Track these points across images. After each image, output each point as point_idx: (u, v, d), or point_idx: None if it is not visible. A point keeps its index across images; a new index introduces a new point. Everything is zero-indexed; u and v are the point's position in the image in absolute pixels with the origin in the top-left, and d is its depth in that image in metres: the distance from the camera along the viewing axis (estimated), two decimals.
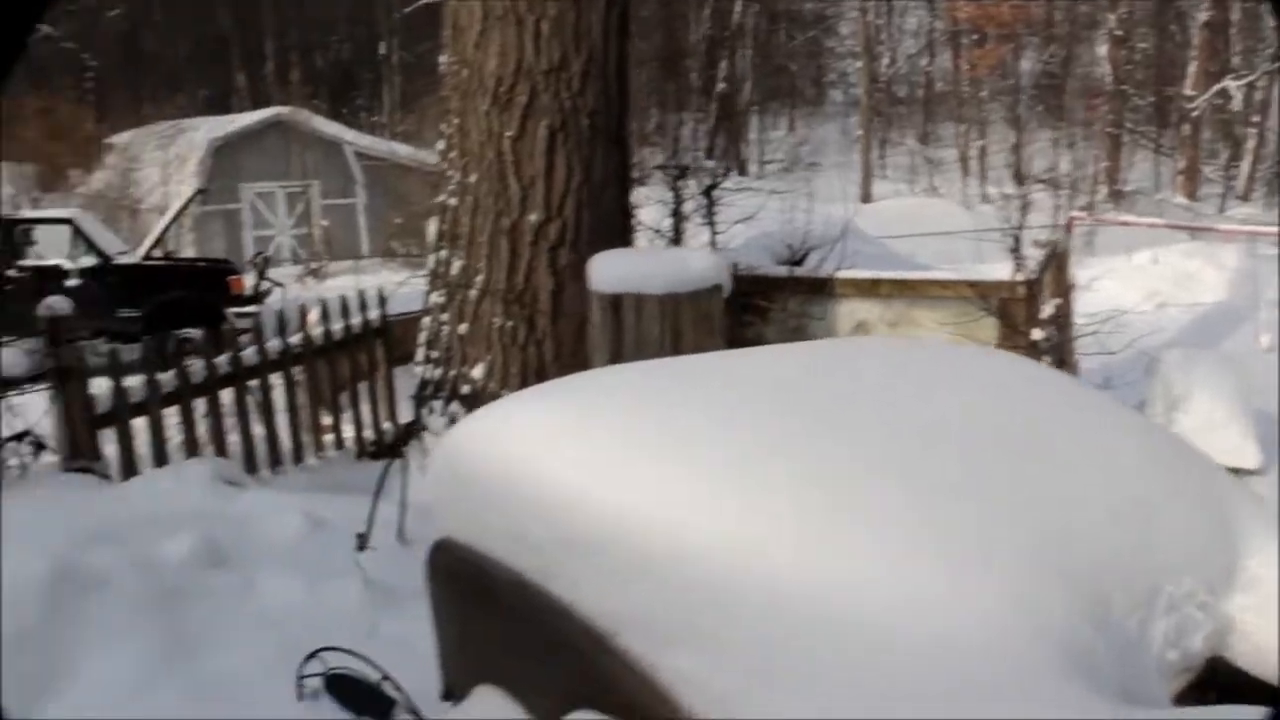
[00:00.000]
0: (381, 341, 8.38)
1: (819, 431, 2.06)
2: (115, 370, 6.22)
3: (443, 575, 2.59)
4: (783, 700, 1.70)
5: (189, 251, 20.79)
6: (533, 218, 6.16)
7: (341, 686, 3.14)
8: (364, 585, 3.85)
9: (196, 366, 6.81)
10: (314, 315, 13.35)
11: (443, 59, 6.57)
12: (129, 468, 6.17)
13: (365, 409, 8.08)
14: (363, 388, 8.11)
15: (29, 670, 3.38)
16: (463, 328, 6.36)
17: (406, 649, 3.60)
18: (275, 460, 7.23)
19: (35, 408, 5.80)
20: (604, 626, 2.02)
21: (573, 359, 6.32)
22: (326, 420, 7.80)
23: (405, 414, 8.40)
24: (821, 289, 7.89)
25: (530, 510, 2.15)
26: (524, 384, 6.28)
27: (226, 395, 6.95)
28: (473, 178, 6.25)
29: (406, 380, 8.66)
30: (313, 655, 3.20)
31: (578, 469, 2.13)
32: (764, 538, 1.83)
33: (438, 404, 6.57)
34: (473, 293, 6.28)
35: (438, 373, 6.60)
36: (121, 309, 13.86)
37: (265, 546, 4.17)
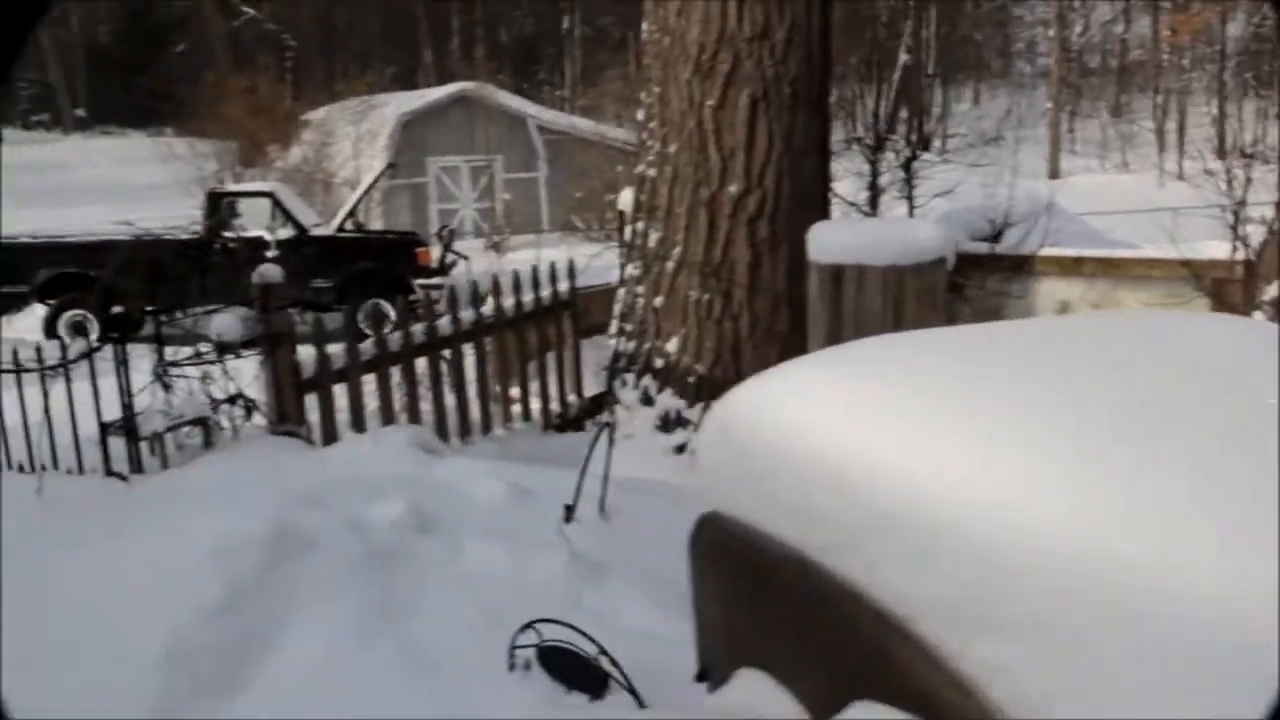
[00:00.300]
0: (570, 314, 8.39)
1: (1145, 416, 1.87)
2: (319, 338, 6.37)
3: (708, 550, 2.46)
4: (1105, 703, 1.54)
5: (377, 224, 21.38)
6: (732, 189, 6.04)
7: (555, 659, 3.09)
8: (569, 557, 3.81)
9: (394, 336, 6.94)
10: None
11: (644, 27, 6.48)
12: (329, 433, 6.33)
13: (552, 381, 8.10)
14: (549, 360, 8.15)
15: (244, 628, 3.45)
16: (658, 300, 6.28)
17: (610, 622, 3.56)
18: (465, 430, 7.31)
19: (247, 372, 5.98)
20: (900, 611, 1.85)
21: (768, 334, 6.19)
22: (513, 392, 7.85)
23: (591, 387, 8.44)
24: (1021, 267, 7.55)
25: (820, 484, 2.00)
26: (718, 359, 6.18)
27: (419, 365, 7.06)
28: (672, 148, 6.16)
29: (592, 353, 8.69)
30: (528, 626, 3.17)
31: (875, 441, 1.98)
32: (1107, 525, 1.64)
33: (630, 377, 6.52)
34: (669, 265, 6.19)
35: (631, 345, 6.54)
36: (315, 279, 14.31)
37: (469, 513, 4.17)
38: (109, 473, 5.29)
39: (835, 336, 4.82)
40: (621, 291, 6.76)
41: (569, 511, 4.02)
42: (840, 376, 2.10)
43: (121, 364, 5.22)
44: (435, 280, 14.84)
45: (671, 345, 6.24)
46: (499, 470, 4.69)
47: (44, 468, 5.35)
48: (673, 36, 6.16)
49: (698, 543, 2.43)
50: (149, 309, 15.01)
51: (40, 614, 3.81)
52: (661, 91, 6.25)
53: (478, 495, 4.33)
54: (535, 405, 8.06)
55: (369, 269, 15.07)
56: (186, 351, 5.74)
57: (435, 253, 15.69)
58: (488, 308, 7.60)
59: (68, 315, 14.01)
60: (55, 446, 5.40)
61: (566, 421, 8.33)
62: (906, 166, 7.99)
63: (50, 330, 13.81)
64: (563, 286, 8.26)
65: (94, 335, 13.93)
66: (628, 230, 6.72)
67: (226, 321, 5.57)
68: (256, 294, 6.12)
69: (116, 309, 13.87)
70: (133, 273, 13.03)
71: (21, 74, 53.79)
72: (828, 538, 1.92)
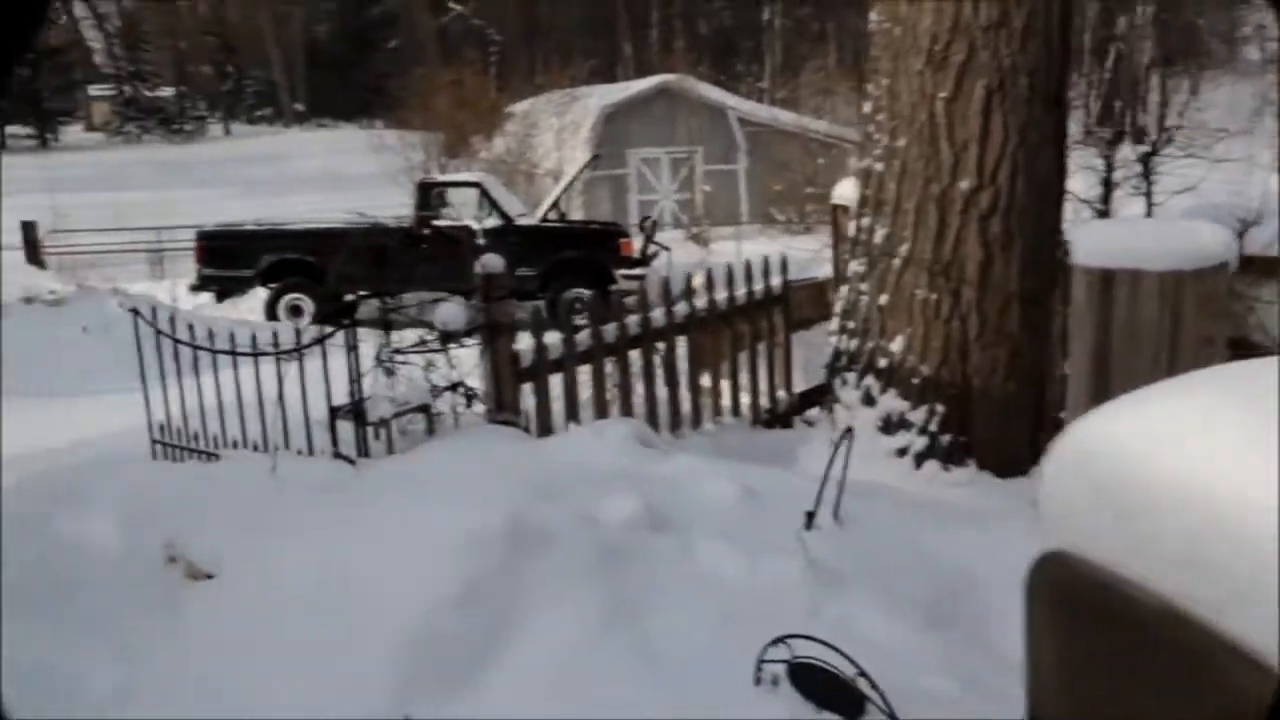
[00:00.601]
0: (782, 309, 8.22)
1: None
2: (536, 327, 6.36)
3: (1049, 592, 2.22)
4: None
5: (578, 214, 21.61)
6: (964, 185, 5.73)
7: (806, 676, 2.92)
8: (805, 563, 3.63)
9: (608, 328, 6.89)
10: (698, 280, 13.36)
11: (872, 17, 6.22)
12: (544, 423, 6.32)
13: (761, 377, 7.94)
14: (758, 355, 7.99)
15: (482, 622, 3.39)
16: (883, 298, 6.02)
17: (850, 634, 3.36)
18: (675, 423, 7.21)
19: (467, 360, 6.01)
20: None
21: (998, 335, 5.86)
22: (723, 385, 7.72)
23: (801, 383, 8.24)
24: (1274, 270, 6.99)
25: (1212, 533, 1.77)
26: (944, 360, 5.89)
27: (631, 357, 6.99)
28: (901, 141, 5.89)
29: (801, 349, 8.49)
30: (779, 641, 3.00)
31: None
32: None
33: (851, 376, 6.28)
34: (896, 262, 5.92)
35: (853, 344, 6.30)
36: (520, 268, 14.49)
37: (699, 513, 4.04)
38: (336, 455, 5.37)
39: (1103, 347, 4.47)
40: (844, 289, 6.52)
41: (810, 518, 3.84)
42: (1219, 406, 1.85)
43: (352, 349, 5.29)
44: (637, 271, 14.85)
45: (896, 345, 5.97)
46: (725, 469, 4.54)
47: (277, 448, 5.48)
48: (903, 26, 5.89)
49: (1037, 583, 2.18)
50: (365, 294, 15.59)
51: (276, 601, 3.86)
52: (890, 83, 5.99)
53: (707, 494, 4.19)
54: (743, 400, 7.90)
55: (572, 258, 15.19)
56: (410, 338, 5.78)
57: (637, 243, 15.70)
58: (701, 300, 7.49)
59: (287, 299, 14.58)
60: (287, 427, 5.52)
61: (775, 418, 8.17)
62: (1145, 160, 7.47)
63: (270, 312, 14.41)
64: (774, 281, 8.10)
65: (309, 319, 14.50)
66: (850, 225, 6.46)
67: (451, 311, 5.59)
68: (479, 283, 6.15)
69: (338, 294, 14.43)
70: (358, 259, 13.55)
71: (248, 73, 56.95)
72: (1221, 593, 1.67)
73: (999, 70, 5.73)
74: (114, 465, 6.16)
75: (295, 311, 14.50)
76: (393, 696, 3.23)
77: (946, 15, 5.74)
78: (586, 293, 14.17)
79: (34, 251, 17.74)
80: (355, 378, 5.31)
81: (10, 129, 49.31)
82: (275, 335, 5.53)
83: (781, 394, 8.31)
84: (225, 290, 15.35)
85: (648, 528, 3.86)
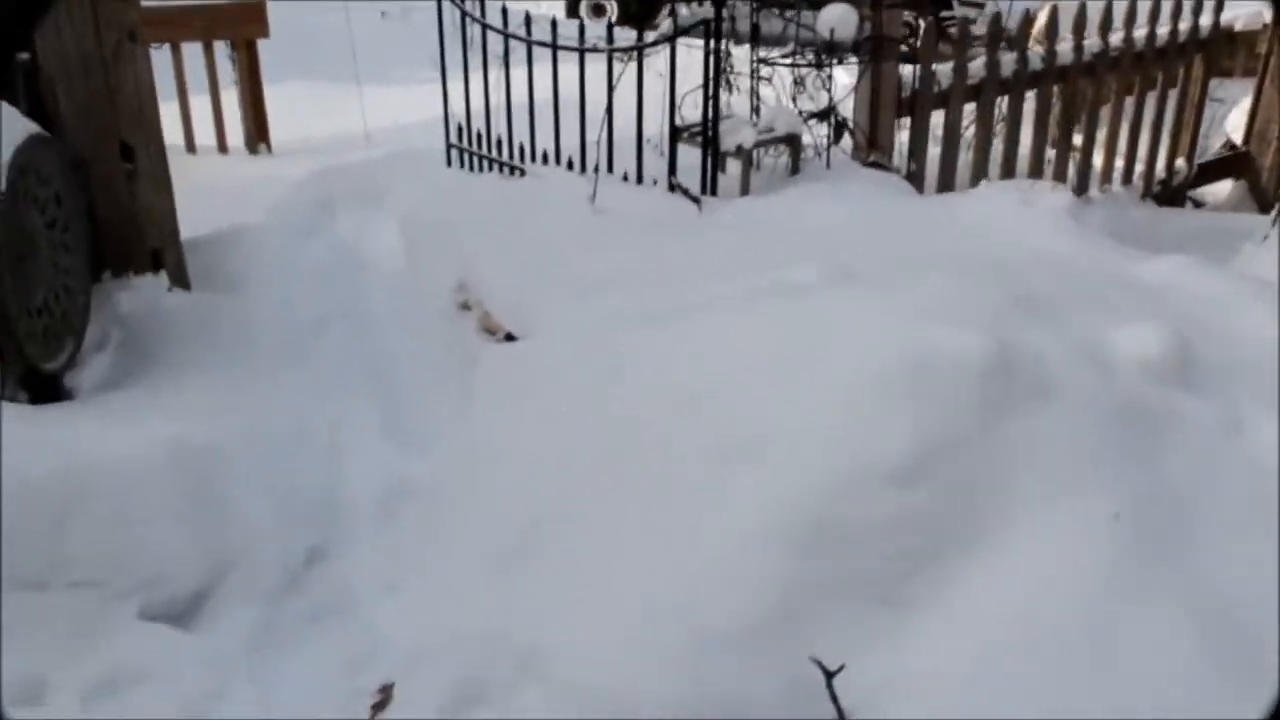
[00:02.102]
0: (1204, 57, 6.28)
1: None
2: (929, 45, 4.78)
3: None
4: None
5: None
6: None
7: None
8: None
9: (1006, 58, 5.21)
10: (1042, 19, 11.02)
11: None
12: (917, 171, 4.83)
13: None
14: (1160, 112, 6.19)
15: (937, 504, 2.07)
16: None
17: None
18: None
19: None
20: None
21: None
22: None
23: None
24: None
25: None
26: None
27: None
28: None
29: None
30: None
31: None
32: None
33: None
34: None
35: None
36: None
37: (1238, 360, 2.52)
38: (675, 187, 4.05)
39: None
40: None
41: None
42: None
43: (712, 54, 3.85)
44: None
45: None
46: (1256, 289, 2.94)
47: (597, 170, 4.21)
48: None
49: None
50: None
51: (600, 409, 2.65)
52: None
53: (1244, 331, 2.65)
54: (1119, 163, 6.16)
55: None
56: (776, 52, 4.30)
57: None
58: (1115, 37, 5.67)
59: None
60: (613, 146, 4.21)
61: (1167, 191, 6.39)
62: None
63: (572, 10, 13.01)
64: (1203, 20, 6.17)
65: (613, 17, 13.04)
66: None
67: (841, 14, 4.04)
68: None
69: None
70: None
71: None
72: None
73: None
74: (407, 170, 5.07)
75: (598, 10, 13.05)
76: (779, 601, 2.01)
77: None
78: (909, 15, 12.10)
79: None
80: (711, 92, 3.89)
81: None
82: (609, 28, 4.12)
83: (1180, 162, 6.48)
84: None
85: (1176, 381, 2.38)
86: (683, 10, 14.92)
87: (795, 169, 4.19)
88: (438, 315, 3.56)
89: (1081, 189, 5.82)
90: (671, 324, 2.74)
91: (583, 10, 12.95)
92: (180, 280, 3.74)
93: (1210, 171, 6.83)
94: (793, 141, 4.12)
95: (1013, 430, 2.14)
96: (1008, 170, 5.40)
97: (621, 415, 2.56)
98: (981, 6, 11.84)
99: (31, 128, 3.16)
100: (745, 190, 3.96)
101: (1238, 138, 6.96)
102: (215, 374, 3.26)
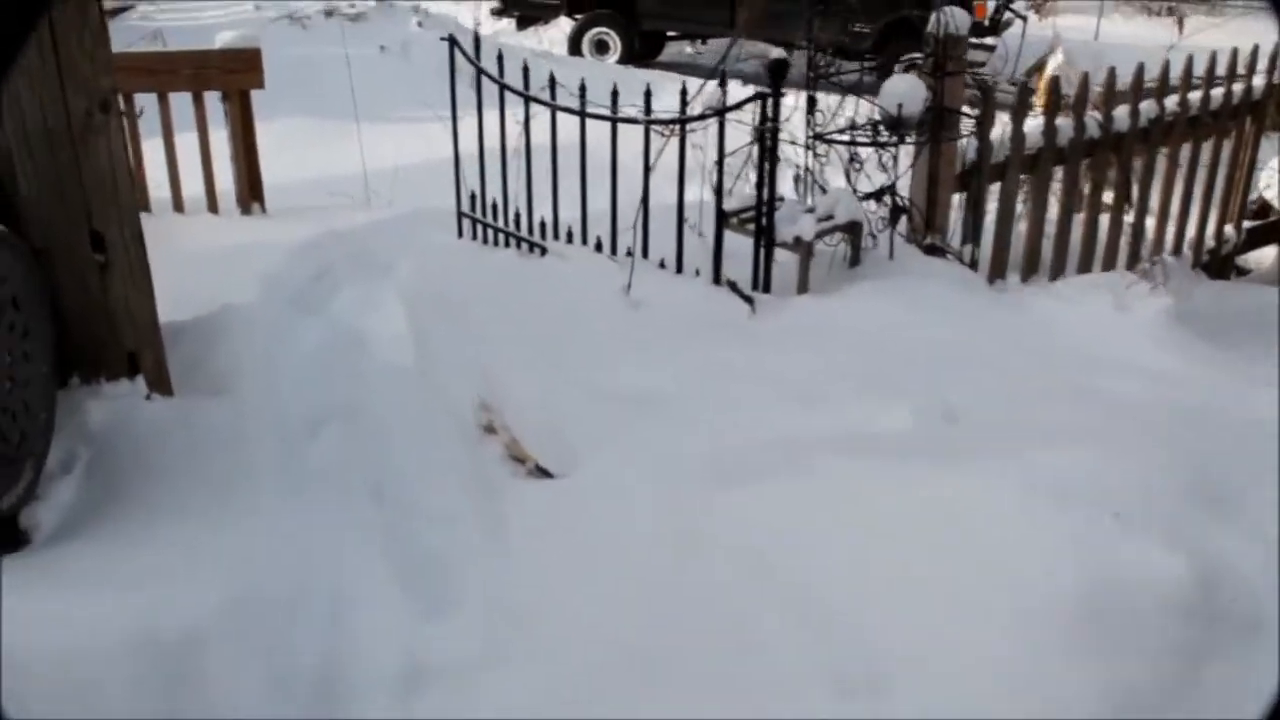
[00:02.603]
0: (1255, 119, 5.88)
1: None
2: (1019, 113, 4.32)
3: None
4: None
5: None
6: None
7: None
8: None
9: (1061, 124, 4.75)
10: (1055, 63, 10.54)
11: None
12: (983, 259, 4.37)
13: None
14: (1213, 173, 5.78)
15: None
16: None
17: None
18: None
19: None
20: None
21: None
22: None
23: None
24: None
25: None
26: None
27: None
28: None
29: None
30: None
31: None
32: None
33: None
34: None
35: None
36: (855, 22, 11.99)
37: None
38: (718, 279, 3.56)
39: None
40: None
41: None
42: None
43: (767, 128, 3.35)
44: (987, 40, 12.12)
45: None
46: None
47: (630, 253, 3.72)
48: None
49: None
50: (671, 33, 13.46)
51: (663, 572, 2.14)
52: None
53: None
54: (1170, 230, 5.72)
55: (914, 16, 12.47)
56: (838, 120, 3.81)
57: (990, 5, 12.81)
58: (1171, 100, 5.25)
59: (593, 33, 12.64)
60: (649, 229, 3.72)
61: (1216, 259, 5.97)
62: None
63: (574, 47, 12.56)
64: (1256, 81, 5.77)
65: (615, 56, 12.57)
66: None
67: (908, 88, 3.56)
68: (929, 47, 4.09)
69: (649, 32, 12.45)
70: None
71: None
72: None
73: None
74: (413, 239, 4.56)
75: (601, 48, 12.57)
76: None
77: None
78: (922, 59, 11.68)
79: None
80: (766, 173, 3.40)
81: None
82: (647, 93, 3.62)
83: (1229, 229, 6.05)
84: (528, 17, 13.50)
85: None
86: (686, 49, 14.43)
87: (855, 260, 3.69)
88: (455, 432, 3.05)
89: (1133, 259, 5.37)
90: (752, 483, 2.24)
91: (585, 47, 12.49)
92: (160, 384, 3.21)
93: (1257, 236, 6.42)
94: (854, 229, 3.63)
95: (1215, 679, 1.64)
96: (1060, 245, 4.93)
97: (699, 602, 2.06)
98: (992, 49, 11.46)
99: None
100: (803, 287, 3.46)
101: (1271, 195, 6.58)
102: (196, 513, 2.73)
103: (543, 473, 2.75)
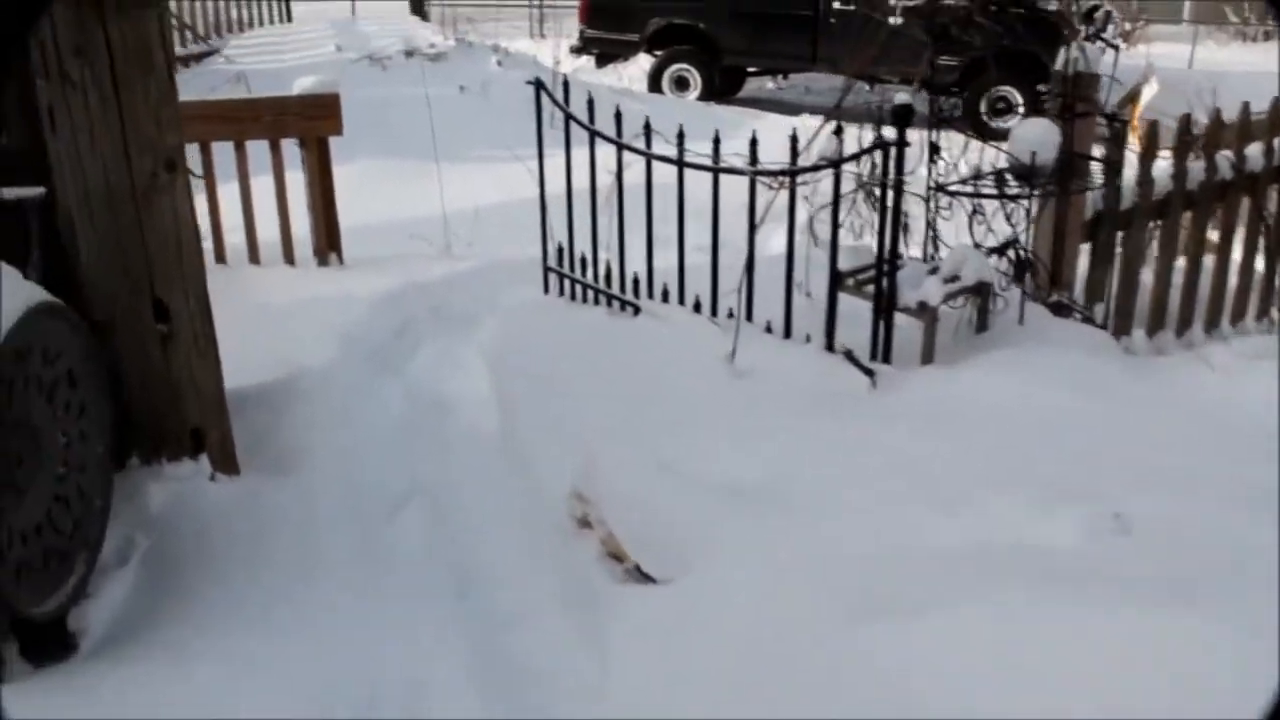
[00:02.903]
0: None
1: None
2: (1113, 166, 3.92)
3: None
4: None
5: None
6: None
7: None
8: None
9: (1193, 166, 4.33)
10: (1149, 91, 9.99)
11: None
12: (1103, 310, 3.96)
13: None
14: None
15: None
16: None
17: None
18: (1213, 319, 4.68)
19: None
20: None
21: None
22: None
23: None
24: None
25: None
26: None
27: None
28: None
29: None
30: None
31: None
32: None
33: None
34: None
35: None
36: (942, 55, 11.55)
37: None
38: (831, 347, 3.20)
39: None
40: None
41: None
42: None
43: (895, 188, 3.00)
44: None
45: None
46: None
47: (731, 314, 3.38)
48: None
49: None
50: (751, 69, 13.14)
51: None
52: None
53: None
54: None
55: (1003, 48, 12.00)
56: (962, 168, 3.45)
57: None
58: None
59: (673, 69, 12.37)
60: (754, 287, 3.37)
61: None
62: None
63: (654, 83, 12.29)
64: None
65: (696, 93, 12.29)
66: None
67: (1042, 133, 3.19)
68: (1055, 88, 3.72)
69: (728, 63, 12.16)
70: (736, 24, 11.23)
71: None
72: None
73: None
74: (496, 293, 4.28)
75: (681, 84, 12.29)
76: None
77: None
78: (1014, 94, 11.26)
79: (418, 3, 16.23)
80: (889, 234, 3.04)
81: None
82: (753, 140, 3.29)
83: None
84: (607, 55, 13.28)
85: None
86: (767, 84, 14.00)
87: (983, 325, 3.32)
88: (545, 522, 2.73)
89: (1263, 310, 4.92)
90: (897, 613, 1.87)
91: (665, 84, 12.22)
92: (225, 463, 2.94)
93: None
94: (982, 290, 3.25)
95: None
96: (1188, 296, 4.50)
97: None
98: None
99: (36, 295, 2.39)
100: (928, 357, 3.09)
101: None
102: (259, 614, 2.44)
103: (644, 576, 2.41)
